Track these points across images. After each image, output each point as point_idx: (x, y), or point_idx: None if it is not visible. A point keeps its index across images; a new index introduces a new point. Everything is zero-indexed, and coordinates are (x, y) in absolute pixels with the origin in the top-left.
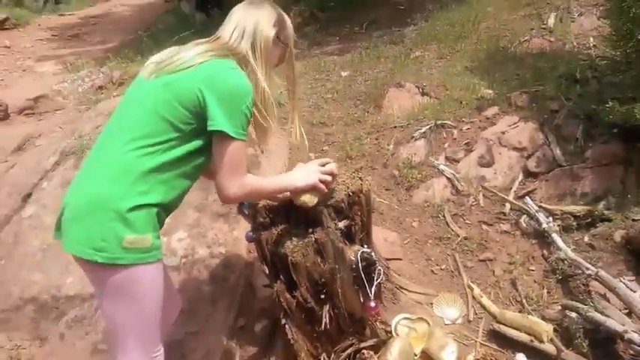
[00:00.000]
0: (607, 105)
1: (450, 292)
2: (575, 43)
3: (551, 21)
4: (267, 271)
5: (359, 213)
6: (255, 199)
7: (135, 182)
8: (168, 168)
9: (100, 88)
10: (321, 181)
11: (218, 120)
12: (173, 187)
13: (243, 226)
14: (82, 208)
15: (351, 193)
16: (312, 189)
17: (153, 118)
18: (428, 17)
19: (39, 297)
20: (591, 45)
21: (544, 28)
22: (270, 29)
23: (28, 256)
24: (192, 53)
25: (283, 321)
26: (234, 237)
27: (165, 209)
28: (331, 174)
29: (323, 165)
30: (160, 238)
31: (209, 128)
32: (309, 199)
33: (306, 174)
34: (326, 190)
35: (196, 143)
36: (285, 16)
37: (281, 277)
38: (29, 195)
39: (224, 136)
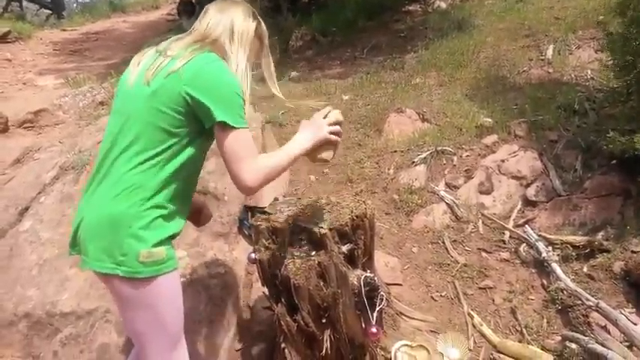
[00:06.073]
0: (607, 135)
1: (457, 332)
2: (573, 75)
3: (549, 52)
4: (268, 293)
5: (362, 237)
6: (275, 178)
7: (146, 199)
8: (175, 177)
9: (101, 103)
10: (332, 133)
11: (215, 114)
12: (180, 195)
13: (243, 247)
14: (99, 227)
15: (355, 217)
16: (324, 143)
17: (148, 129)
18: (428, 45)
19: (33, 313)
20: (589, 77)
21: (542, 60)
22: (249, 22)
23: (24, 271)
24: (173, 52)
25: (283, 345)
26: (234, 257)
27: (177, 217)
28: (337, 122)
29: (325, 116)
30: (173, 247)
31: (208, 124)
32: (326, 155)
33: (314, 131)
34: (339, 141)
35: (194, 145)
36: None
37: (282, 299)
38: (26, 209)
39: (225, 128)
